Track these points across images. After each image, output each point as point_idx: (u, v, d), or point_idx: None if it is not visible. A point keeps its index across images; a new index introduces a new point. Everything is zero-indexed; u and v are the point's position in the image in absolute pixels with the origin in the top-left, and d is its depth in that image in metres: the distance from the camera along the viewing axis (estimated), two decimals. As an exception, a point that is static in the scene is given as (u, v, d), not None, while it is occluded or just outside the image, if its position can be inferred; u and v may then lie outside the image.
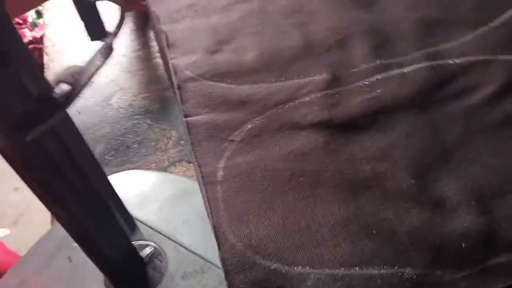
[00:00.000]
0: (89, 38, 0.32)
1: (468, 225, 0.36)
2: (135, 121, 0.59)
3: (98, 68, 0.32)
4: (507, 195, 0.38)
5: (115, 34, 0.34)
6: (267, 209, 0.38)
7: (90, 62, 0.33)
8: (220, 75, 0.50)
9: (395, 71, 0.47)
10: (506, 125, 0.42)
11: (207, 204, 0.40)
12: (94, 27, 0.32)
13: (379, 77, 0.47)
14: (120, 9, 0.34)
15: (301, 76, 0.49)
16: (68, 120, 0.33)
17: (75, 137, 0.34)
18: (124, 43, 0.78)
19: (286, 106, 0.47)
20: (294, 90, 0.47)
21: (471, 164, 0.40)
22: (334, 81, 0.48)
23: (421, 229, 0.36)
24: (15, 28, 0.26)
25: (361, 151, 0.42)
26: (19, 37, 0.26)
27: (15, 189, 1.57)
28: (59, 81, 0.31)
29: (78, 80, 0.31)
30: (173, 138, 0.58)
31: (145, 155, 0.58)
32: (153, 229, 0.53)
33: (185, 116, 0.46)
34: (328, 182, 0.40)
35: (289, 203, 0.39)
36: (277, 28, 0.55)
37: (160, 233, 0.52)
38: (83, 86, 0.31)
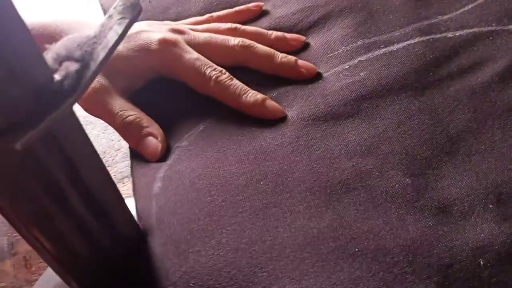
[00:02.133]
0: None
1: (486, 236, 0.27)
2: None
3: (119, 37, 0.21)
4: None
5: None
6: (214, 230, 0.29)
7: (104, 27, 0.22)
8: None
9: (381, 50, 0.38)
10: (526, 105, 0.33)
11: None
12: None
13: (362, 58, 0.38)
14: None
15: None
16: (71, 118, 0.21)
17: (80, 144, 0.22)
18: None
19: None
20: None
21: (484, 157, 0.31)
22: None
23: (422, 243, 0.27)
24: None
25: (341, 145, 0.32)
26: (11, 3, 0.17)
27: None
28: (61, 59, 0.20)
29: (90, 54, 0.20)
30: (122, 149, 0.49)
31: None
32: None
33: None
34: (296, 186, 0.30)
35: (244, 217, 0.29)
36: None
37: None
38: (99, 64, 0.20)
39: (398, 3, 0.41)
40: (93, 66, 0.20)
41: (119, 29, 0.21)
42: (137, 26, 0.39)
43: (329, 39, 0.41)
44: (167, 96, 0.38)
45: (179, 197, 0.31)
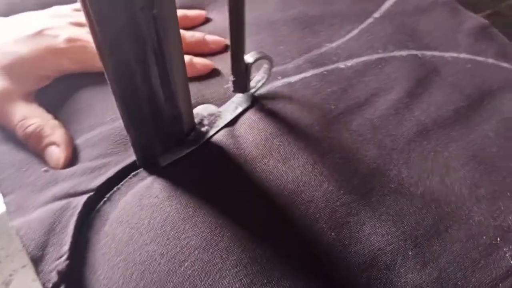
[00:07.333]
0: (232, 89, 0.34)
1: None
2: None
3: (233, 118, 0.33)
4: (444, 233, 0.29)
5: (257, 88, 0.35)
6: None
7: (226, 108, 0.34)
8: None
9: (279, 82, 0.36)
10: (423, 137, 0.34)
11: None
12: (242, 83, 0.33)
13: (262, 92, 0.36)
14: (268, 68, 0.35)
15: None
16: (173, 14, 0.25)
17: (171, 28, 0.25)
18: None
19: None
20: None
21: (396, 197, 0.31)
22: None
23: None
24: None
25: (228, 199, 0.30)
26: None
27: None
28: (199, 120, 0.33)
29: (213, 123, 0.33)
30: None
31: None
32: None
33: None
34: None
35: None
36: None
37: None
38: (216, 131, 0.33)
39: (285, 32, 0.40)
40: (213, 131, 0.33)
41: (234, 113, 0.34)
42: (35, 24, 0.35)
43: (210, 84, 0.37)
44: (76, 91, 0.36)
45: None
